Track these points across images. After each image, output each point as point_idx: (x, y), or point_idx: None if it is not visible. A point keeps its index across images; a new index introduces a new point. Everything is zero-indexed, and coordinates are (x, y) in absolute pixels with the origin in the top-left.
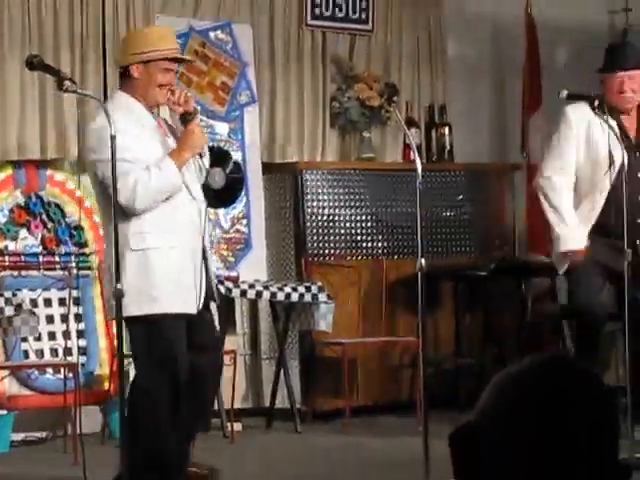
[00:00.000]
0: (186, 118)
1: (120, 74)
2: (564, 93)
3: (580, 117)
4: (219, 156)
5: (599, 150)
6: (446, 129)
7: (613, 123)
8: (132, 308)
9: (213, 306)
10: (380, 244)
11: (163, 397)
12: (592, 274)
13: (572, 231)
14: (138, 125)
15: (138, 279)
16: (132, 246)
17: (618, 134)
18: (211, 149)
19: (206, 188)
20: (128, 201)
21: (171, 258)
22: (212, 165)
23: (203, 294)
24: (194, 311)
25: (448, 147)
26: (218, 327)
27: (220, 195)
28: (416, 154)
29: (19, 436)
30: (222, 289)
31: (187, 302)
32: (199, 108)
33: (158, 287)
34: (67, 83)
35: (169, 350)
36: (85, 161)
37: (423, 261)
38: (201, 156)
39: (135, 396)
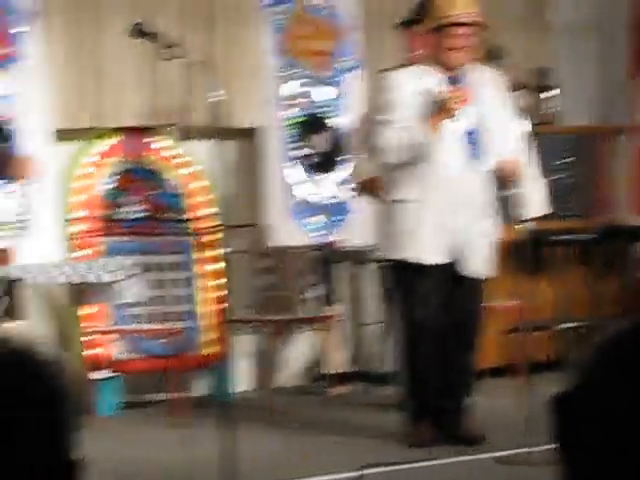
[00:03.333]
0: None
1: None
2: None
3: None
4: (320, 121)
5: None
6: (552, 92)
7: None
8: (380, 252)
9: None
10: None
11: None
12: None
13: None
14: (418, 88)
15: (386, 227)
16: (385, 197)
17: None
18: (312, 115)
19: (308, 153)
20: (379, 157)
21: (415, 210)
22: (314, 130)
23: (453, 247)
24: (437, 262)
25: (554, 110)
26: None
27: (322, 159)
28: (522, 117)
29: (126, 398)
30: (323, 254)
31: (429, 253)
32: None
33: (398, 237)
34: (171, 50)
35: (405, 293)
36: None
37: (528, 225)
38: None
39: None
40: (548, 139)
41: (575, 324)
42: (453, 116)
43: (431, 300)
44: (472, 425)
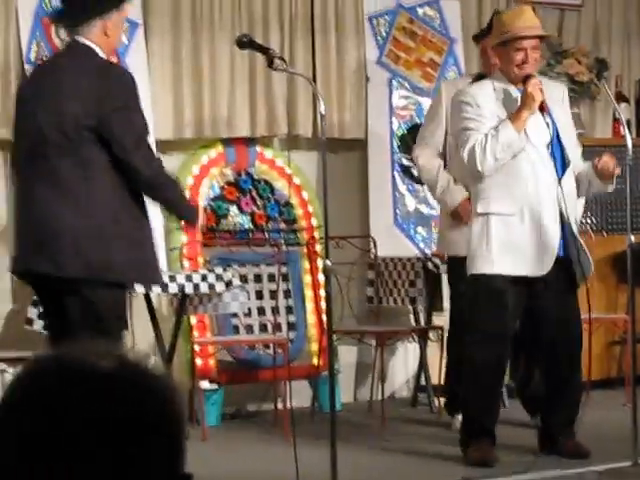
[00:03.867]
0: (524, 79)
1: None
2: None
3: None
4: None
5: None
6: None
7: None
8: (470, 268)
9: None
10: (589, 220)
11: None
12: None
13: None
14: (495, 100)
15: (478, 241)
16: (478, 210)
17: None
18: (414, 127)
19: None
20: (470, 164)
21: (510, 223)
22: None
23: (552, 259)
24: (535, 274)
25: None
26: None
27: None
28: (626, 129)
29: (229, 410)
30: (430, 265)
31: (524, 265)
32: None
33: (493, 250)
34: (277, 61)
35: (495, 308)
36: None
37: (632, 237)
38: (542, 111)
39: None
40: None
41: None
42: (535, 108)
43: (517, 313)
44: (579, 439)
